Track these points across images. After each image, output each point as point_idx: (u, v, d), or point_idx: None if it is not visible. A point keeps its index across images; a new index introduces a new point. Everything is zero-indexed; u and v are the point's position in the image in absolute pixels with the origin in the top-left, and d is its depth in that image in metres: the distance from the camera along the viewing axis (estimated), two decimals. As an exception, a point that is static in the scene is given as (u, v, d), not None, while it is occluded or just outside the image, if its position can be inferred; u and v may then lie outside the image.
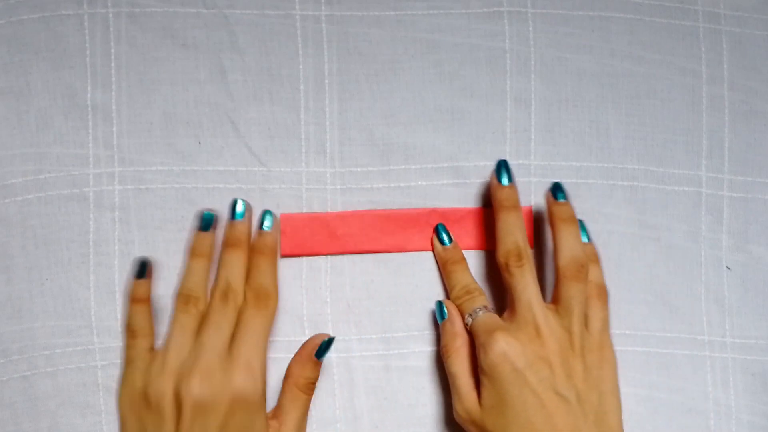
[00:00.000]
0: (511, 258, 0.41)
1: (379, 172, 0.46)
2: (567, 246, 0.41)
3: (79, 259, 0.44)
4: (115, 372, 0.43)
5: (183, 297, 0.40)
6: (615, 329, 0.46)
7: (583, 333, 0.40)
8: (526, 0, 0.47)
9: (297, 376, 0.42)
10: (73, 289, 0.44)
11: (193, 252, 0.42)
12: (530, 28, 0.46)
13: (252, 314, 0.40)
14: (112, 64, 0.45)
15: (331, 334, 0.44)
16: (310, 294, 0.45)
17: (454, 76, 0.46)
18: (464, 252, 0.45)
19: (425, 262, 0.46)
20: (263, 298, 0.40)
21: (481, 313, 0.42)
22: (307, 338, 0.44)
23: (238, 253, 0.41)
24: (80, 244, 0.44)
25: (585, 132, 0.47)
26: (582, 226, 0.45)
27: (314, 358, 0.42)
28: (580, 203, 0.46)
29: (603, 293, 0.42)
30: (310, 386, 0.42)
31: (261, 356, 0.39)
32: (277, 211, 0.45)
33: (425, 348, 0.45)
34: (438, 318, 0.44)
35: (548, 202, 0.43)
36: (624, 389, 0.45)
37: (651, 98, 0.47)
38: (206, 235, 0.42)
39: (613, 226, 0.46)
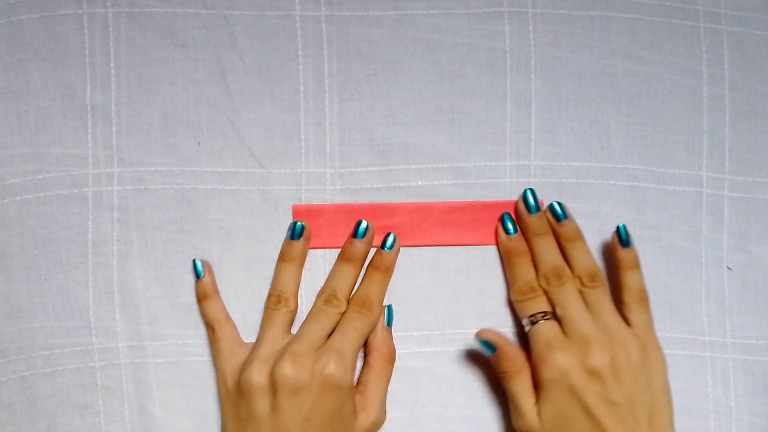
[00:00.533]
0: (552, 277, 0.43)
1: (378, 172, 0.46)
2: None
3: (78, 260, 0.44)
4: (114, 373, 0.44)
5: (274, 297, 0.43)
6: (615, 330, 0.46)
7: (628, 334, 0.42)
8: (527, 0, 0.46)
9: (381, 347, 0.43)
10: (72, 290, 0.44)
11: (282, 257, 0.44)
12: (530, 28, 0.46)
13: (353, 316, 0.43)
14: (112, 64, 0.44)
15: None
16: (309, 294, 0.45)
17: (454, 76, 0.46)
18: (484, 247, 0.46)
19: (424, 261, 0.46)
20: (367, 306, 0.43)
21: (542, 321, 0.42)
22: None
23: (350, 267, 0.44)
24: (79, 245, 0.44)
25: (585, 132, 0.47)
26: (624, 231, 0.44)
27: (387, 327, 0.44)
28: (581, 203, 0.46)
29: (644, 298, 0.44)
30: (393, 355, 0.44)
31: (354, 349, 0.42)
32: (276, 212, 0.45)
33: (425, 348, 0.45)
34: (486, 352, 0.43)
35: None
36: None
37: (651, 98, 0.47)
38: (296, 243, 0.44)
39: (613, 226, 0.46)
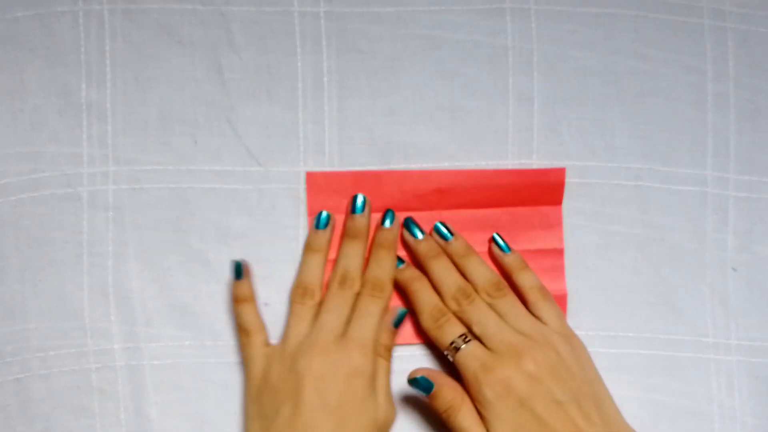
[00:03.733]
0: (460, 297, 0.43)
1: (378, 171, 0.45)
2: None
3: (73, 260, 0.43)
4: (109, 375, 0.43)
5: (300, 290, 0.43)
6: (618, 331, 0.46)
7: (550, 333, 0.42)
8: (529, -4, 0.46)
9: (376, 345, 0.42)
10: (67, 291, 0.43)
11: (308, 247, 0.44)
12: (533, 25, 0.46)
13: (367, 301, 0.42)
14: (107, 62, 0.44)
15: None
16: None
17: (455, 73, 0.46)
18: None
19: (425, 263, 0.45)
20: (379, 288, 0.43)
21: (464, 345, 0.41)
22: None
23: (357, 243, 0.44)
24: (74, 245, 0.43)
25: (588, 131, 0.46)
26: (499, 238, 0.45)
27: (391, 327, 0.43)
28: (583, 203, 0.46)
29: (546, 293, 0.44)
30: (388, 353, 0.43)
31: (372, 335, 0.41)
32: (274, 211, 0.44)
33: (425, 350, 0.45)
34: (423, 393, 0.41)
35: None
36: (627, 392, 0.45)
37: (655, 96, 0.47)
38: (322, 232, 0.44)
39: (616, 227, 0.46)
